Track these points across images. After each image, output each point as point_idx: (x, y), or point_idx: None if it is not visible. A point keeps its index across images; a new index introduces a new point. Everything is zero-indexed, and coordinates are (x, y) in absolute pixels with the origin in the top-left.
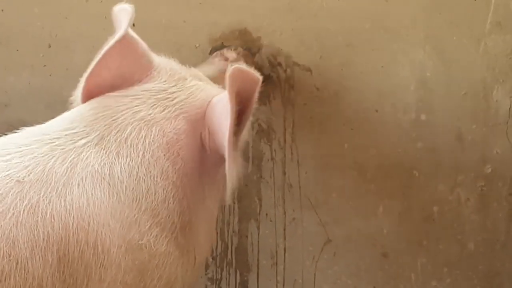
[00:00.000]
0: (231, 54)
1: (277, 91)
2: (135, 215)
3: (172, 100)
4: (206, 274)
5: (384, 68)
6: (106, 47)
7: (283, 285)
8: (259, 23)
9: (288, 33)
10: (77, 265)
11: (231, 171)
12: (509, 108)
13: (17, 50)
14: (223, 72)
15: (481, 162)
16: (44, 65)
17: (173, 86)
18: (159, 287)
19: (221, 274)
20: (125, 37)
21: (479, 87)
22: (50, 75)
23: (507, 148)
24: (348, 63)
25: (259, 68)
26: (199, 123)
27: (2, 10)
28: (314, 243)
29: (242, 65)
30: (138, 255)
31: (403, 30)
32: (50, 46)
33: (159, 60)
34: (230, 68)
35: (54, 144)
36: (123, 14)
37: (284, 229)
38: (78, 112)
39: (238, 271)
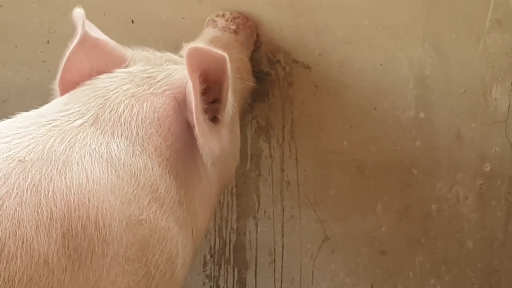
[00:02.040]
0: (220, 20)
1: (275, 88)
2: (133, 190)
3: (155, 79)
4: (204, 271)
5: (383, 66)
6: (66, 54)
7: (281, 282)
8: (258, 20)
9: (287, 30)
10: (81, 240)
11: (204, 147)
12: (508, 107)
13: (16, 46)
14: (214, 40)
15: (480, 161)
16: (43, 61)
17: (151, 68)
18: (161, 262)
19: (219, 271)
20: (86, 41)
21: (478, 85)
22: (49, 71)
23: (506, 146)
24: (347, 60)
25: (257, 65)
26: (183, 101)
27: (1, 6)
28: (312, 241)
29: (201, 45)
30: (138, 230)
31: (402, 27)
32: (48, 42)
33: (133, 53)
34: (187, 48)
35: (51, 125)
36: (78, 19)
37: (282, 227)
38: (71, 94)
39: (236, 268)
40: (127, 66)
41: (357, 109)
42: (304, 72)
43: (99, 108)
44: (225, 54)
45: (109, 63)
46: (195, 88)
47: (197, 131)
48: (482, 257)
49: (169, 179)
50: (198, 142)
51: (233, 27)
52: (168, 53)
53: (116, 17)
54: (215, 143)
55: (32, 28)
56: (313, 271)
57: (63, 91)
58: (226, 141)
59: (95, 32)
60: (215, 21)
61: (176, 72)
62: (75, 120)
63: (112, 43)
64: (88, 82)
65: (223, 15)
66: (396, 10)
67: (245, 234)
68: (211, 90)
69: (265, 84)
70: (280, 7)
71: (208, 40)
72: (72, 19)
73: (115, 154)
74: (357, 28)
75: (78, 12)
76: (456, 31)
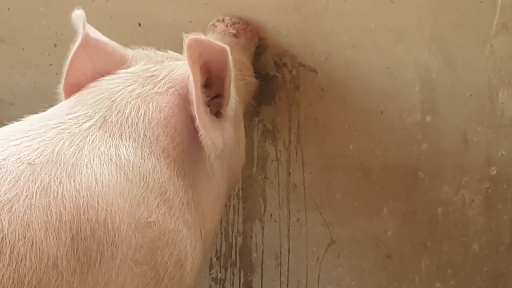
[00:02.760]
0: (220, 25)
1: (282, 91)
2: (142, 193)
3: (158, 77)
4: (210, 274)
5: (389, 69)
6: (69, 56)
7: (287, 285)
8: (265, 23)
9: (293, 33)
10: (90, 243)
11: (206, 139)
12: None
13: (23, 49)
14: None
15: (486, 164)
16: (50, 64)
17: (153, 66)
18: (170, 265)
19: (225, 274)
20: (88, 42)
21: (484, 89)
22: (56, 74)
23: None
24: (353, 64)
25: (264, 69)
26: (186, 97)
27: (8, 9)
28: (318, 244)
29: (202, 36)
30: (147, 232)
31: (408, 31)
32: (55, 45)
33: (134, 52)
34: (186, 39)
35: (60, 128)
36: (78, 21)
37: (289, 230)
38: (77, 97)
39: (242, 271)
40: (128, 66)
41: (363, 113)
42: (311, 76)
43: (106, 110)
44: (227, 46)
45: (111, 63)
46: (195, 80)
47: (198, 122)
48: (488, 260)
49: (177, 180)
50: (199, 135)
51: (233, 31)
52: (169, 51)
53: (123, 21)
54: (217, 136)
55: (39, 31)
56: (319, 275)
57: (68, 94)
58: (229, 136)
59: (94, 33)
60: (215, 26)
61: (178, 68)
62: (83, 123)
63: (112, 43)
64: (93, 84)
65: (223, 20)
66: (402, 14)
67: (251, 237)
68: (214, 84)
69: (272, 87)
70: (287, 11)
71: None
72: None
73: (124, 157)
74: (364, 31)
75: (78, 14)
76: (462, 35)
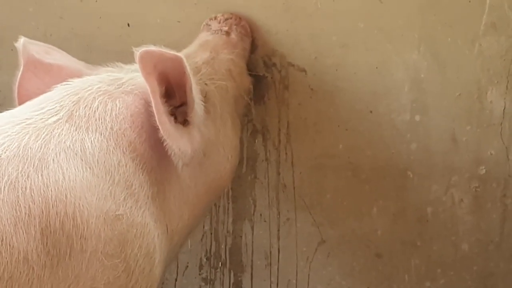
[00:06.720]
0: (213, 23)
1: (271, 91)
2: (109, 187)
3: (121, 80)
4: (200, 274)
5: (379, 69)
6: (16, 83)
7: (277, 285)
8: (254, 23)
9: (283, 33)
10: (59, 236)
11: (172, 147)
12: (503, 109)
13: (12, 50)
14: (203, 44)
15: (475, 163)
16: None
17: (116, 73)
18: (140, 257)
19: (215, 275)
20: (38, 67)
21: (473, 88)
22: None
23: (501, 149)
24: (343, 63)
25: (253, 68)
26: (149, 103)
27: None
28: (308, 244)
29: (152, 47)
30: (116, 225)
31: (397, 30)
32: None
33: (97, 71)
34: (137, 53)
35: (25, 123)
36: (18, 50)
37: (278, 230)
38: (43, 96)
39: (232, 271)
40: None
41: (353, 113)
42: (300, 76)
43: (73, 104)
44: (180, 55)
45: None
46: (153, 91)
47: (162, 132)
48: (477, 259)
49: (142, 175)
50: (165, 144)
51: (225, 28)
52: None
53: (112, 21)
54: (185, 144)
55: (28, 32)
56: (309, 274)
57: None
58: (198, 142)
59: (52, 58)
60: (209, 25)
61: (138, 76)
62: (49, 117)
63: (72, 66)
64: (57, 85)
65: (215, 18)
66: (391, 14)
67: (241, 237)
68: (176, 93)
69: (261, 87)
70: (276, 10)
71: (198, 44)
72: (68, 22)
73: (89, 152)
74: (353, 31)
75: (18, 43)
76: (451, 34)
